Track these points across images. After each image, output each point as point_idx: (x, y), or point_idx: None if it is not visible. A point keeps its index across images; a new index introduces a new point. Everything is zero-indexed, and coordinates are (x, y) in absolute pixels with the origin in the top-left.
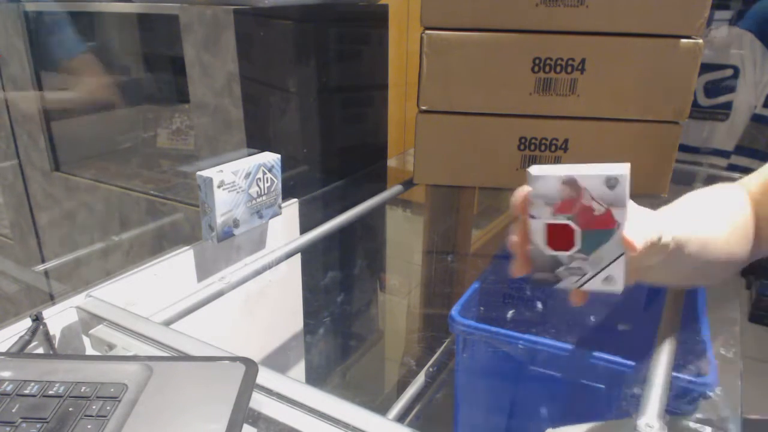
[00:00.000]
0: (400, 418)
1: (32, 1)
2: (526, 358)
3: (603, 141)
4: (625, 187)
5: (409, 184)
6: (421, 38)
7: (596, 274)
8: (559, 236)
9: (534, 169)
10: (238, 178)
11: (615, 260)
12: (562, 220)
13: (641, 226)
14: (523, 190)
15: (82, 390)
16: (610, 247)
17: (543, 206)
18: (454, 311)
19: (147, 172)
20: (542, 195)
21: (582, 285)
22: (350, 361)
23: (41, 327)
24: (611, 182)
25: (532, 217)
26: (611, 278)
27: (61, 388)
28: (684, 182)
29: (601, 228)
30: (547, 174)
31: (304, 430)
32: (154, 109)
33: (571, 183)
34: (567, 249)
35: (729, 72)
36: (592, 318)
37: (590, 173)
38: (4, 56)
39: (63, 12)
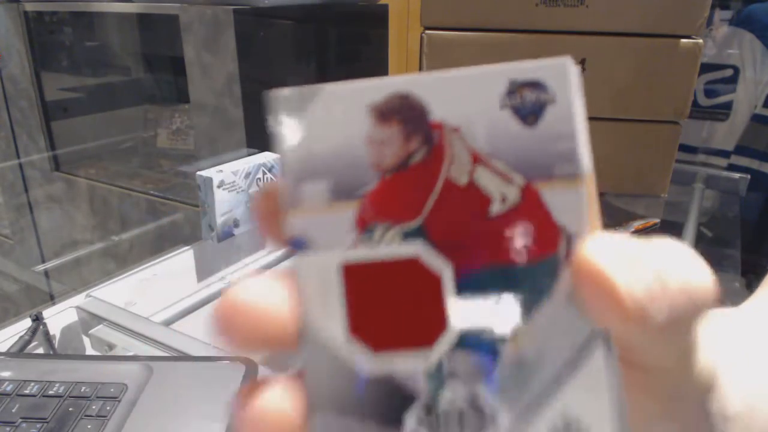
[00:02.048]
0: None
1: (32, 1)
2: None
3: (602, 141)
4: (573, 114)
5: None
6: (421, 38)
7: (526, 426)
8: (385, 304)
9: (283, 95)
10: (238, 178)
11: (579, 365)
12: (389, 249)
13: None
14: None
15: (82, 390)
16: (555, 321)
17: (326, 206)
18: None
19: (147, 172)
20: (318, 168)
21: None
22: None
23: (41, 327)
24: (527, 99)
25: (300, 247)
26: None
27: (61, 388)
28: (684, 182)
29: (514, 260)
30: (327, 94)
31: None
32: (154, 109)
33: (401, 113)
34: (419, 346)
35: (729, 72)
36: None
37: (460, 78)
38: (3, 55)
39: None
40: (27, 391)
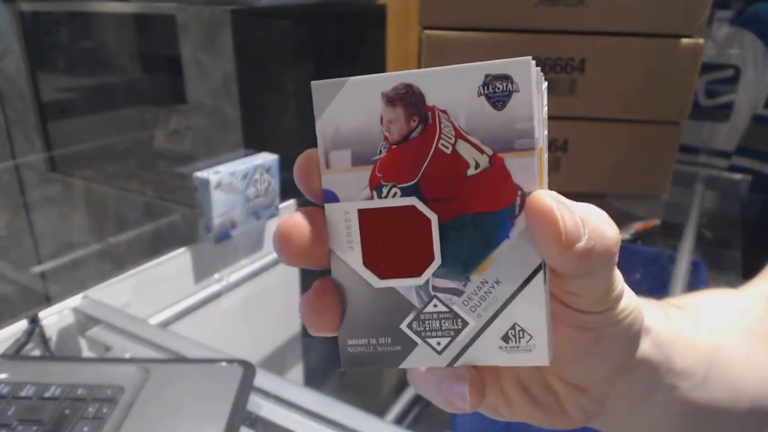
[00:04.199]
0: (399, 421)
1: (28, 1)
2: None
3: (602, 141)
4: (532, 101)
5: None
6: (420, 38)
7: (486, 327)
8: (389, 239)
9: (320, 84)
10: (236, 179)
11: (524, 286)
12: (393, 201)
13: (576, 207)
14: (310, 152)
15: (78, 392)
16: (510, 254)
17: (348, 169)
18: None
19: (144, 173)
20: (343, 140)
21: (458, 357)
22: None
23: (37, 329)
24: (498, 89)
25: (330, 198)
26: (522, 333)
27: (58, 391)
28: (684, 183)
29: (483, 209)
30: (351, 84)
31: None
32: (151, 110)
33: (405, 99)
34: (414, 272)
35: (730, 72)
36: None
37: (449, 72)
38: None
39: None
40: (23, 394)
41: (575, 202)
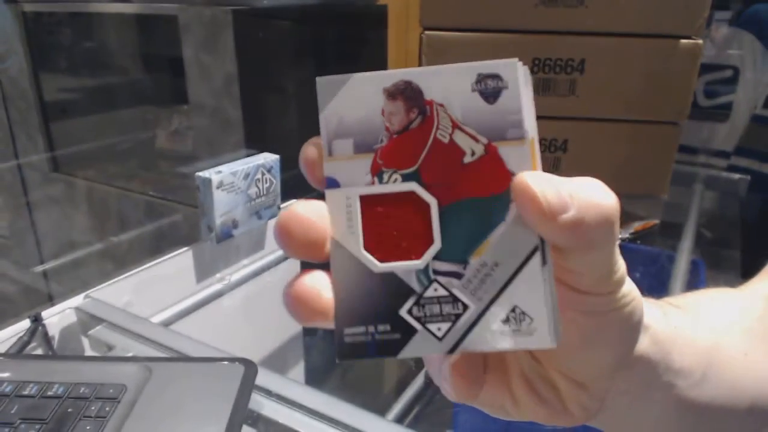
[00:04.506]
0: (399, 419)
1: (31, 2)
2: None
3: (602, 141)
4: (520, 96)
5: None
6: (420, 39)
7: (486, 311)
8: (390, 224)
9: (325, 79)
10: (237, 179)
11: (522, 267)
12: (393, 186)
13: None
14: (314, 140)
15: (81, 391)
16: (506, 237)
17: (350, 156)
18: None
19: (146, 173)
20: (346, 130)
21: (459, 343)
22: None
23: (40, 328)
24: (489, 85)
25: (331, 185)
26: (523, 316)
27: (60, 389)
28: (684, 183)
29: (480, 194)
30: (354, 80)
31: (303, 431)
32: (152, 110)
33: (405, 93)
34: (414, 255)
35: (729, 72)
36: None
37: (445, 71)
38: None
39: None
40: (26, 392)
41: (570, 178)
